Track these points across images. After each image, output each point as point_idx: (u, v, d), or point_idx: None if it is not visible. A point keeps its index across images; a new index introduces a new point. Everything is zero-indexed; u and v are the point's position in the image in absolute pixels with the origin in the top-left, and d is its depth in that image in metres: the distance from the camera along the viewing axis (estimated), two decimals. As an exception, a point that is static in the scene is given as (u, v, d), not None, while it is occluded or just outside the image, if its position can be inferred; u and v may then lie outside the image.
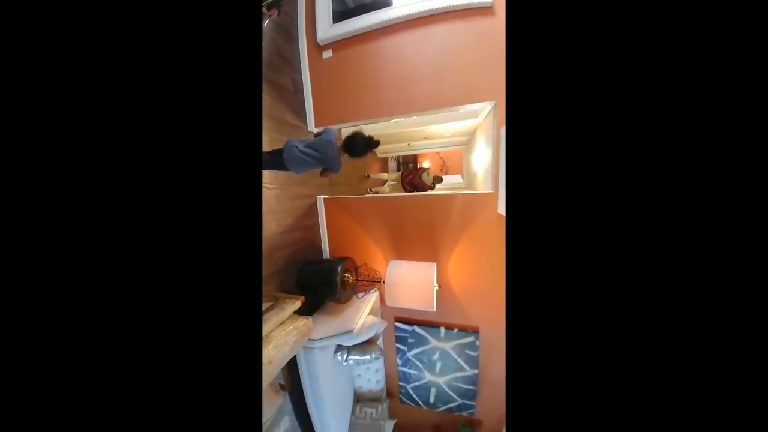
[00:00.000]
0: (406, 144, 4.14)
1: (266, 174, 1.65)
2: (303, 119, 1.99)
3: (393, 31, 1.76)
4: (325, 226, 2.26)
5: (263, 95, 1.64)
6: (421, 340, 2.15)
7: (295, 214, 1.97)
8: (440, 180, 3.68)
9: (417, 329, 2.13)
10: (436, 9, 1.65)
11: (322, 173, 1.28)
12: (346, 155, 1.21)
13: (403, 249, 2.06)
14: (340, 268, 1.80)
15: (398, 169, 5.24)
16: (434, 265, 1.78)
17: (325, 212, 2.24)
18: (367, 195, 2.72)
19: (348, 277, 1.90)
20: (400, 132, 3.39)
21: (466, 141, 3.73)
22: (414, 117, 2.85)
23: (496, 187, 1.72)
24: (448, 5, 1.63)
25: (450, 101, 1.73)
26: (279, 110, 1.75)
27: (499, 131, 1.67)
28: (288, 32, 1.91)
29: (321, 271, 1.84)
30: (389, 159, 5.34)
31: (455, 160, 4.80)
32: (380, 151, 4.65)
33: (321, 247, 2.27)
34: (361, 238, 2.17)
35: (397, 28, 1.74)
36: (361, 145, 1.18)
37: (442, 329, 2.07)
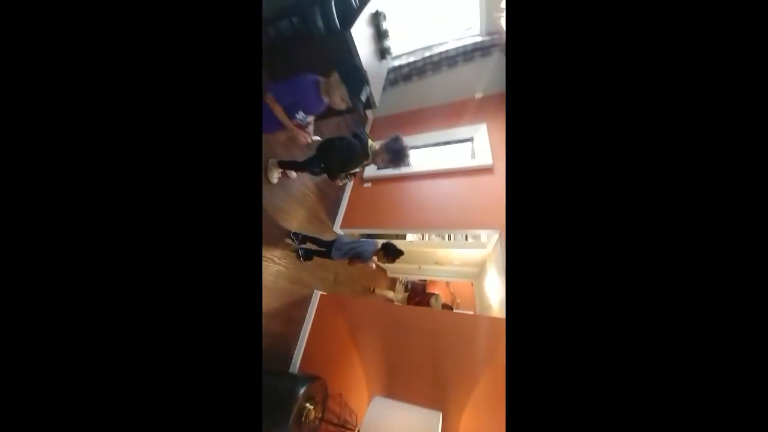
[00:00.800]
0: (417, 267, 4.12)
1: (278, 251, 1.75)
2: (332, 221, 2.45)
3: (417, 178, 2.45)
4: (310, 324, 1.87)
5: (309, 192, 2.15)
6: None
7: (285, 300, 1.76)
8: (450, 308, 3.27)
9: None
10: (447, 169, 2.34)
11: (351, 261, 1.70)
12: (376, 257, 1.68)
13: (397, 381, 1.50)
14: (302, 390, 1.27)
15: (406, 291, 4.91)
16: (439, 416, 1.19)
17: (316, 308, 1.93)
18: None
19: (310, 409, 1.30)
20: (412, 251, 3.48)
21: (476, 272, 3.64)
22: (426, 238, 3.03)
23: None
24: (456, 167, 2.30)
25: (457, 225, 2.07)
26: (317, 209, 2.23)
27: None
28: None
29: (275, 390, 1.30)
30: (398, 281, 5.16)
31: (466, 296, 4.44)
32: (390, 270, 4.61)
33: (293, 354, 1.75)
34: (346, 354, 1.68)
35: (420, 177, 2.44)
36: (392, 252, 1.65)
37: None
